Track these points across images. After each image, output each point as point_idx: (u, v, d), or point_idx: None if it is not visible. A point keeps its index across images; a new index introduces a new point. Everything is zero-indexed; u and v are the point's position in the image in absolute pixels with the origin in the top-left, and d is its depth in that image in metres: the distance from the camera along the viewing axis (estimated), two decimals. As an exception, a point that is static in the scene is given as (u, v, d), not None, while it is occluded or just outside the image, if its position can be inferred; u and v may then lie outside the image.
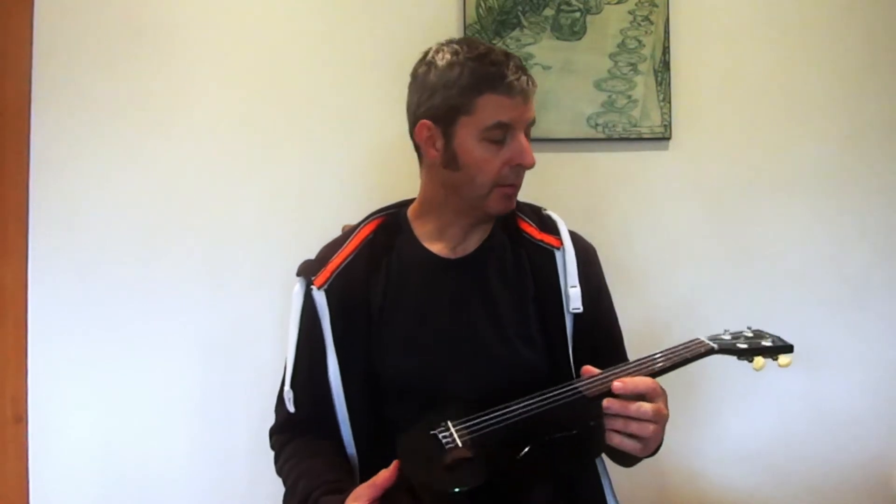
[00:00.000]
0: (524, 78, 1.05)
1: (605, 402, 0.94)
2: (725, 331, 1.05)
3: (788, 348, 1.03)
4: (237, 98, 1.62)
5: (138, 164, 1.59)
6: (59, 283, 1.56)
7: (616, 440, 0.94)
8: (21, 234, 1.56)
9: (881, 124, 1.76)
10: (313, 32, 1.64)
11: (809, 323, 1.73)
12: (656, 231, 1.71)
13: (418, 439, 0.97)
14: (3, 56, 1.56)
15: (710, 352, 1.01)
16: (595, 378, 0.98)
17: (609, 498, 1.14)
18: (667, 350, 1.01)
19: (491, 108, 1.03)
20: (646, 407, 0.93)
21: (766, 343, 1.03)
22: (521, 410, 0.97)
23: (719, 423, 1.72)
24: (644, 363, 0.99)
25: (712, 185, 1.73)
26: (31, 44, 1.56)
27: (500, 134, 1.04)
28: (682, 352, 1.00)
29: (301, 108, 1.64)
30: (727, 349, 1.02)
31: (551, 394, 0.98)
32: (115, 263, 1.58)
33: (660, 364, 0.99)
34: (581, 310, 1.11)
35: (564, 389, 0.98)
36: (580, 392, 0.97)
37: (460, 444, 0.94)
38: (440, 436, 0.95)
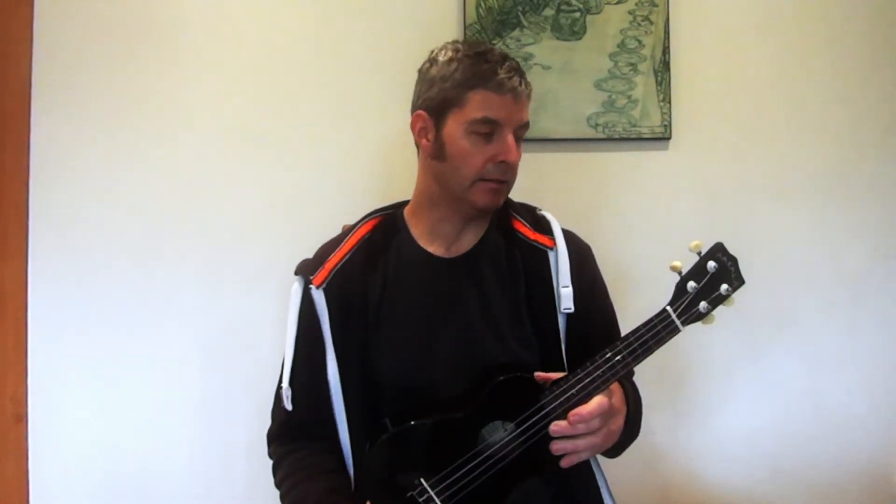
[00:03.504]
0: (517, 79, 1.07)
1: (552, 427, 0.97)
2: (687, 280, 1.03)
3: (741, 283, 1.03)
4: (237, 98, 1.62)
5: (138, 164, 1.59)
6: (59, 283, 1.56)
7: (570, 460, 0.98)
8: (21, 234, 1.56)
9: (881, 124, 1.76)
10: (313, 33, 1.64)
11: (809, 323, 1.73)
12: (656, 231, 1.71)
13: (393, 498, 0.98)
14: (3, 56, 1.56)
15: (676, 332, 1.01)
16: (560, 402, 0.99)
17: (606, 498, 1.15)
18: (634, 340, 1.01)
19: (480, 103, 1.06)
20: (594, 424, 0.97)
21: (725, 291, 1.02)
22: (493, 459, 0.99)
23: (718, 423, 1.72)
24: (612, 367, 1.00)
25: (712, 185, 1.72)
26: (31, 44, 1.56)
27: (486, 129, 1.07)
28: (649, 342, 1.00)
29: (301, 109, 1.64)
30: (693, 319, 1.02)
31: (520, 430, 1.00)
32: (115, 263, 1.58)
33: (627, 367, 1.00)
34: (572, 310, 1.12)
35: (533, 421, 1.00)
36: (548, 418, 0.99)
37: None
38: (420, 500, 0.98)
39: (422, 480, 0.98)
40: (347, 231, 1.19)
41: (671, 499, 1.71)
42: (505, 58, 1.09)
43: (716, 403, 1.72)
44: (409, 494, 0.98)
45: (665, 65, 1.68)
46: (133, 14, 1.59)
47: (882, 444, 1.75)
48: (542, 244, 1.15)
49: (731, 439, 1.72)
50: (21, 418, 1.55)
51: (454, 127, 1.08)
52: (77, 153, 1.57)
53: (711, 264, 1.03)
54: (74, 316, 1.57)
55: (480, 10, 1.65)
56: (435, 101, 1.10)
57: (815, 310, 1.74)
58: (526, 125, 1.11)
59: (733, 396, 1.72)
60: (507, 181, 1.11)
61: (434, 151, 1.11)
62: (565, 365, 1.11)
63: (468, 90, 1.07)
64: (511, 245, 1.16)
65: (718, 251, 1.04)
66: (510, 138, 1.08)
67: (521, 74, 1.09)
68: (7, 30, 1.56)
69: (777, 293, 1.71)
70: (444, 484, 0.99)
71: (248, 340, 1.60)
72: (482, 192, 1.09)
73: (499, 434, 1.00)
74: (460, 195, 1.10)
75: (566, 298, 1.12)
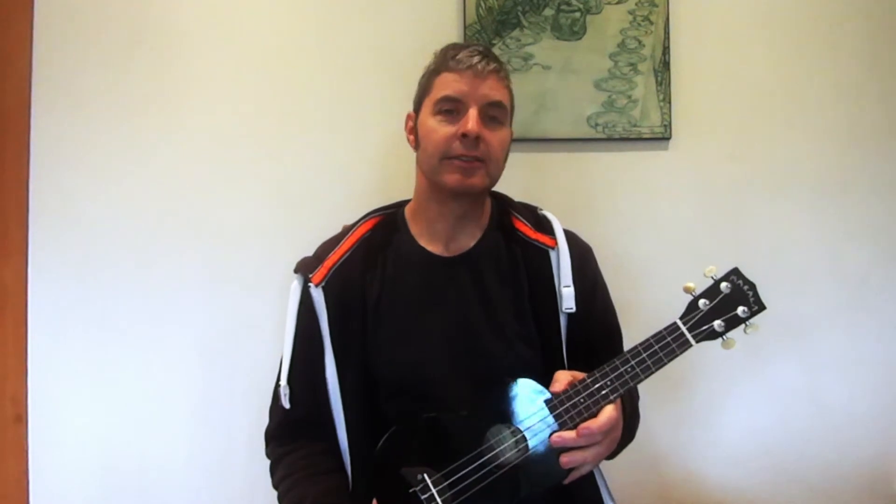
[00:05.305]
0: (478, 57, 1.10)
1: (553, 438, 0.97)
2: (699, 298, 1.03)
3: (761, 308, 1.04)
4: (237, 99, 1.62)
5: (138, 165, 1.59)
6: (59, 283, 1.56)
7: (575, 475, 0.99)
8: (21, 234, 1.56)
9: (880, 124, 1.76)
10: (313, 33, 1.64)
11: (809, 323, 1.73)
12: (656, 231, 1.71)
13: (397, 492, 0.98)
14: (3, 56, 1.56)
15: (687, 346, 1.02)
16: (566, 408, 0.99)
17: (606, 499, 1.15)
18: (642, 350, 1.01)
19: (442, 85, 1.11)
20: (599, 437, 0.98)
21: (742, 313, 1.03)
22: (495, 462, 0.99)
23: (718, 423, 1.72)
24: (619, 376, 1.00)
25: (712, 185, 1.72)
26: (31, 44, 1.56)
27: (448, 106, 1.10)
28: (658, 352, 1.01)
29: (301, 109, 1.64)
30: (706, 336, 1.03)
31: (524, 434, 1.00)
32: (115, 263, 1.58)
33: (637, 378, 1.00)
34: (574, 309, 1.12)
35: (537, 425, 0.99)
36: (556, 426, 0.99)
37: None
38: (422, 498, 0.98)
39: (425, 476, 0.99)
40: (347, 230, 1.19)
41: (671, 499, 1.70)
42: (472, 45, 1.15)
43: (717, 404, 1.72)
44: (411, 490, 0.98)
45: (665, 65, 1.68)
46: (134, 14, 1.59)
47: (882, 444, 1.75)
48: (543, 243, 1.15)
49: (731, 440, 1.72)
50: (21, 418, 1.55)
51: (424, 113, 1.13)
52: (77, 153, 1.57)
53: (725, 285, 1.04)
54: (74, 316, 1.57)
55: (480, 10, 1.65)
56: (416, 98, 1.17)
57: (814, 309, 1.74)
58: (497, 104, 1.10)
59: (734, 397, 1.72)
60: (477, 157, 1.08)
61: (415, 143, 1.16)
62: (565, 364, 1.11)
63: (435, 77, 1.12)
64: (511, 244, 1.16)
65: (733, 274, 1.06)
66: (472, 113, 1.08)
67: (486, 56, 1.11)
68: (7, 29, 1.56)
69: (777, 293, 1.70)
70: (446, 482, 0.98)
71: (248, 340, 1.60)
72: (449, 170, 1.09)
73: (503, 437, 1.00)
74: (434, 179, 1.12)
75: (568, 298, 1.12)
